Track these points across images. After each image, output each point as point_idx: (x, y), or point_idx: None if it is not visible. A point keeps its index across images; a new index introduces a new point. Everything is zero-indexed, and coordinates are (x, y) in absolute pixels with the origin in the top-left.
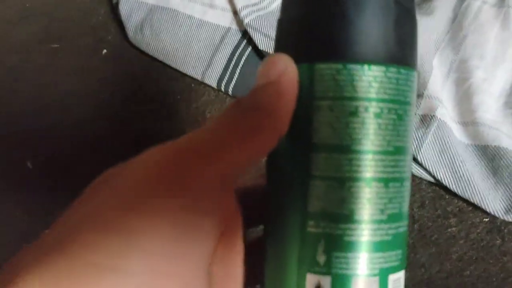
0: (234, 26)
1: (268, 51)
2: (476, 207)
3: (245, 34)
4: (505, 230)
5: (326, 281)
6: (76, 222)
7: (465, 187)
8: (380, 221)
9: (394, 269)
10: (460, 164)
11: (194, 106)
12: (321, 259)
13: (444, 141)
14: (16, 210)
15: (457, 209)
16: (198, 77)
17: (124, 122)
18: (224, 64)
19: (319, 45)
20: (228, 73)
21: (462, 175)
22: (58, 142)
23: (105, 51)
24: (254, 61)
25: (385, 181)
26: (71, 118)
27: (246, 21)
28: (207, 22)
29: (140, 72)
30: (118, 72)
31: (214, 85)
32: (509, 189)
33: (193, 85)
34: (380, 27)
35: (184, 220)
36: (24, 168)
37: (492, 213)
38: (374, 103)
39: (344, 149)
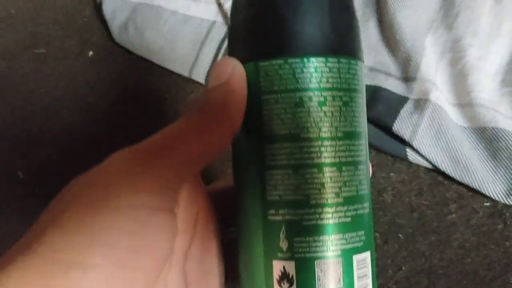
0: (220, 19)
1: None
2: (476, 192)
3: None
4: (507, 214)
5: (291, 266)
6: (42, 227)
7: (463, 171)
8: (337, 204)
9: (358, 250)
10: (458, 148)
11: (183, 104)
12: (284, 245)
13: (440, 125)
14: (11, 220)
15: (457, 194)
16: (186, 73)
17: (113, 124)
18: (212, 58)
19: (260, 45)
20: None
21: (460, 159)
22: (48, 149)
23: (91, 53)
24: None
25: (338, 166)
26: (59, 124)
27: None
28: (192, 16)
29: (127, 72)
30: (105, 74)
31: (202, 81)
32: (509, 171)
33: (180, 82)
34: (314, 22)
35: (142, 214)
36: (15, 178)
37: (492, 197)
38: (317, 93)
39: (294, 138)
